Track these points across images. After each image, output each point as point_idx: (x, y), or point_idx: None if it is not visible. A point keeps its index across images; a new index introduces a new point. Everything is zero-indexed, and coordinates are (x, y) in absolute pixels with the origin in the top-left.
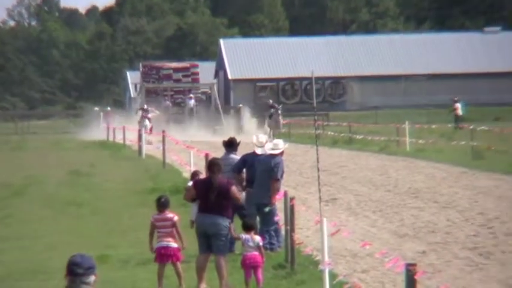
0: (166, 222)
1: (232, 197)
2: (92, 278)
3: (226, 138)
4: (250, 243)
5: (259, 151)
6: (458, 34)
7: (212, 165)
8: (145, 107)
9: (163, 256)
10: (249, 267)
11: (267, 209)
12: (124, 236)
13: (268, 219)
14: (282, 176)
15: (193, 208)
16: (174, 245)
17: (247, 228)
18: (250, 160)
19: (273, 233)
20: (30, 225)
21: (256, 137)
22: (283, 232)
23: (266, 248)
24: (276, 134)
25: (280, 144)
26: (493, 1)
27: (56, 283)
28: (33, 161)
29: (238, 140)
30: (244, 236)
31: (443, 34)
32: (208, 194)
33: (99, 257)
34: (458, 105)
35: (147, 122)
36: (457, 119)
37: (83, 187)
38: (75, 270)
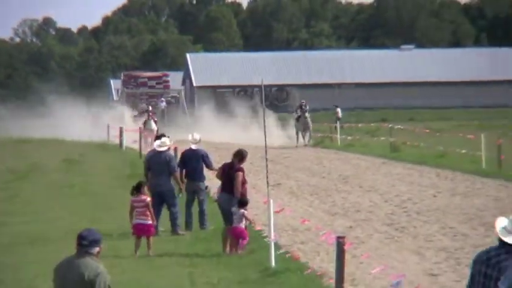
0: (141, 203)
1: (235, 181)
2: (96, 249)
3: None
4: (236, 216)
5: (193, 147)
6: (380, 51)
7: (236, 152)
8: (150, 108)
9: (140, 231)
10: (234, 236)
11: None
12: (108, 213)
13: (171, 203)
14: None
15: (219, 188)
16: (147, 221)
17: (240, 203)
18: (187, 155)
19: (176, 215)
20: (32, 204)
21: (192, 135)
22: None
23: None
24: (306, 137)
25: (167, 142)
26: (408, 24)
27: (52, 249)
28: (34, 152)
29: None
30: (234, 209)
31: (367, 50)
32: (226, 174)
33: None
34: (339, 110)
35: (153, 123)
36: (338, 120)
37: (75, 172)
38: (81, 242)
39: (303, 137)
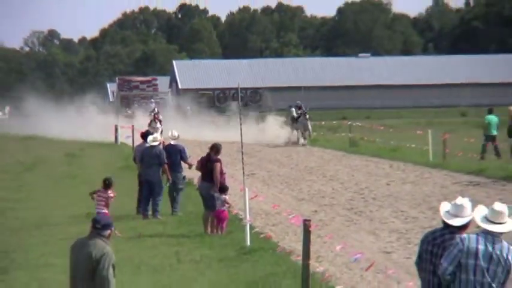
0: (104, 194)
1: (214, 171)
2: (107, 232)
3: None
4: (219, 201)
5: (172, 142)
6: (340, 58)
7: (212, 146)
8: (156, 110)
9: None
10: (217, 218)
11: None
12: None
13: (157, 192)
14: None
15: (199, 178)
16: (102, 211)
17: (221, 190)
18: (168, 150)
19: (158, 202)
20: (38, 192)
21: (171, 132)
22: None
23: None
24: (306, 137)
25: (158, 137)
26: (365, 35)
27: (56, 232)
28: (39, 147)
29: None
30: (216, 195)
31: (330, 58)
32: (204, 166)
33: (87, 214)
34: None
35: (158, 124)
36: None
37: (75, 165)
38: (95, 225)
39: (303, 137)
